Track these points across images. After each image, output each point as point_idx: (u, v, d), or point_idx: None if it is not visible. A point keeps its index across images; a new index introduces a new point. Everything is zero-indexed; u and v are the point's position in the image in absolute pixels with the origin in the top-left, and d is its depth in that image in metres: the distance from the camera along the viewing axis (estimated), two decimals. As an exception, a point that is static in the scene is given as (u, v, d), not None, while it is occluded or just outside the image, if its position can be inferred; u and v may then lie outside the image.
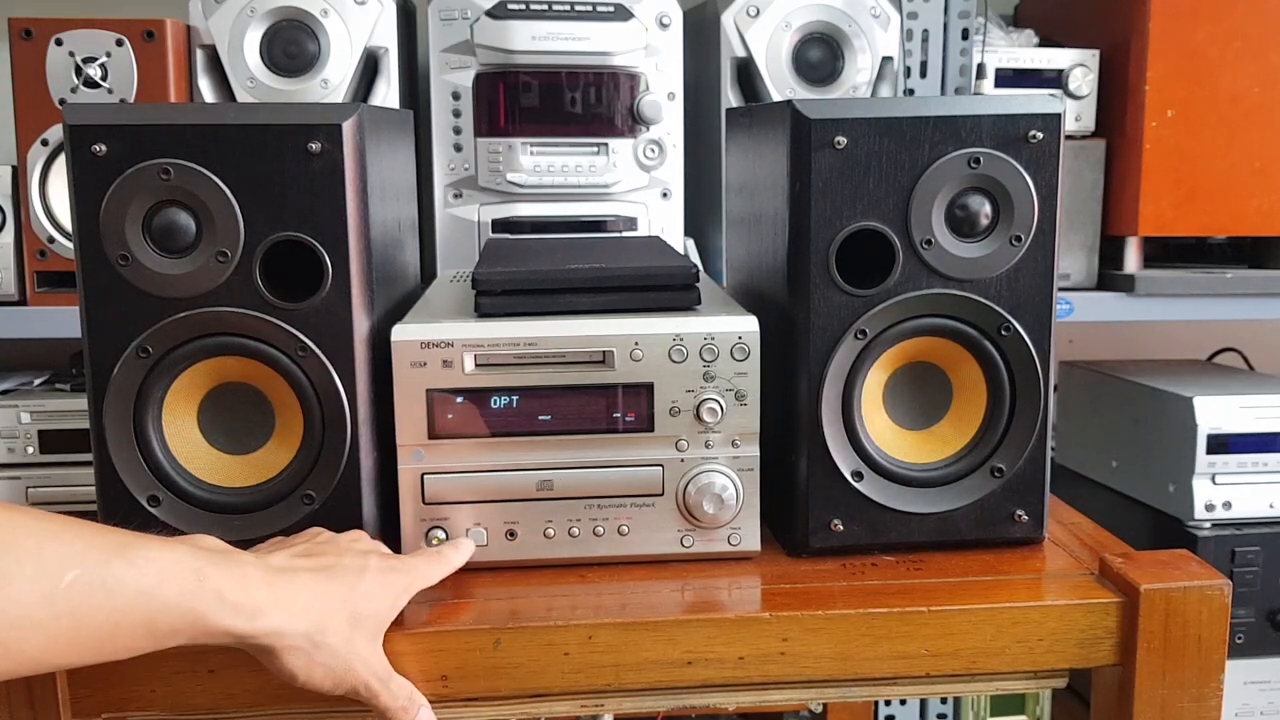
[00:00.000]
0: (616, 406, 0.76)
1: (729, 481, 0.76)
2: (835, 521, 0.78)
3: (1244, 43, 1.37)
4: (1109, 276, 1.43)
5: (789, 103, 0.76)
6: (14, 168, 1.26)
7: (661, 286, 0.79)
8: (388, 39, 1.26)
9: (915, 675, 0.71)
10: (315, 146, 0.71)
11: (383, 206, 0.80)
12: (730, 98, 1.32)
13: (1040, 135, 0.75)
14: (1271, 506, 1.32)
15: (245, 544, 0.72)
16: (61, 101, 1.23)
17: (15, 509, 0.56)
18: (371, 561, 0.67)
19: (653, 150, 1.27)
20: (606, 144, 1.26)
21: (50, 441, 1.27)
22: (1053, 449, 0.82)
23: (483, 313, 0.78)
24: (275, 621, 0.61)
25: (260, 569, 0.62)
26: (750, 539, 0.78)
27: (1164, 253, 1.54)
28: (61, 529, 0.56)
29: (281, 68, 1.25)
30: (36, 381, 1.37)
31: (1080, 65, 1.42)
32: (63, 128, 0.71)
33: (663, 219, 1.29)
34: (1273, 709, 1.35)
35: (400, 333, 0.74)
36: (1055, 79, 1.43)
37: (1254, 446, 1.31)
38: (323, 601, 0.63)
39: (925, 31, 1.48)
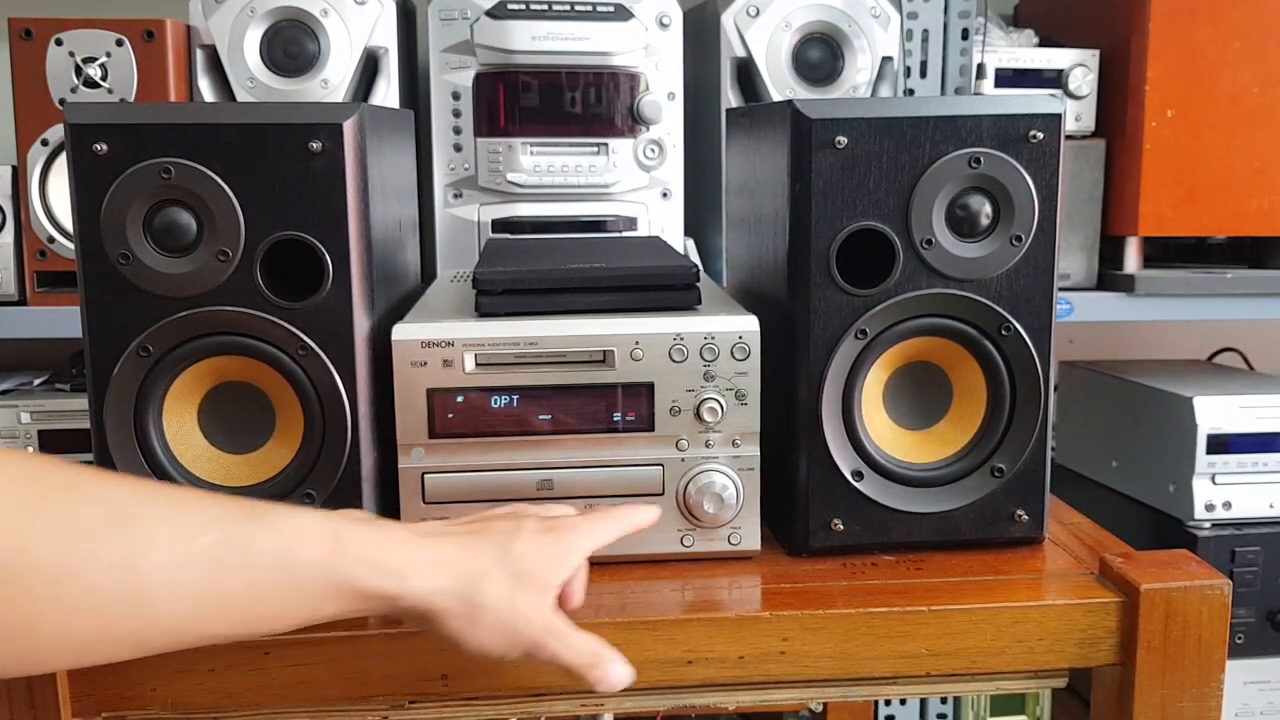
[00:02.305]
0: (616, 406, 0.76)
1: (729, 481, 0.76)
2: (835, 521, 0.78)
3: (1244, 43, 1.37)
4: (1109, 276, 1.43)
5: (789, 103, 0.76)
6: (14, 168, 1.26)
7: (662, 286, 0.79)
8: (388, 39, 1.26)
9: (915, 675, 0.71)
10: (316, 146, 0.71)
11: (383, 206, 0.80)
12: (730, 98, 1.32)
13: (1040, 135, 0.75)
14: (1271, 506, 1.32)
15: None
16: (61, 101, 1.23)
17: (147, 481, 0.56)
18: (527, 524, 0.64)
19: (653, 150, 1.27)
20: (606, 144, 1.26)
21: (50, 441, 1.27)
22: (1053, 449, 0.82)
23: (483, 312, 0.78)
24: (425, 580, 0.59)
25: (405, 531, 0.61)
26: (750, 539, 0.78)
27: (1164, 253, 1.54)
28: (194, 497, 0.56)
29: (281, 68, 1.25)
30: (36, 381, 1.37)
31: (1080, 65, 1.42)
32: (63, 127, 0.71)
33: (663, 219, 1.29)
34: (1273, 709, 1.35)
35: (401, 332, 0.74)
36: (1055, 79, 1.43)
37: (1254, 446, 1.31)
38: (475, 560, 0.61)
39: (925, 31, 1.48)
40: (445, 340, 0.74)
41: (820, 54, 1.33)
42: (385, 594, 0.58)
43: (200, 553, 0.53)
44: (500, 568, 0.61)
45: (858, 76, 1.32)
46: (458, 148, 1.26)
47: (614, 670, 0.62)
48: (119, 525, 0.52)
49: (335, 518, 0.59)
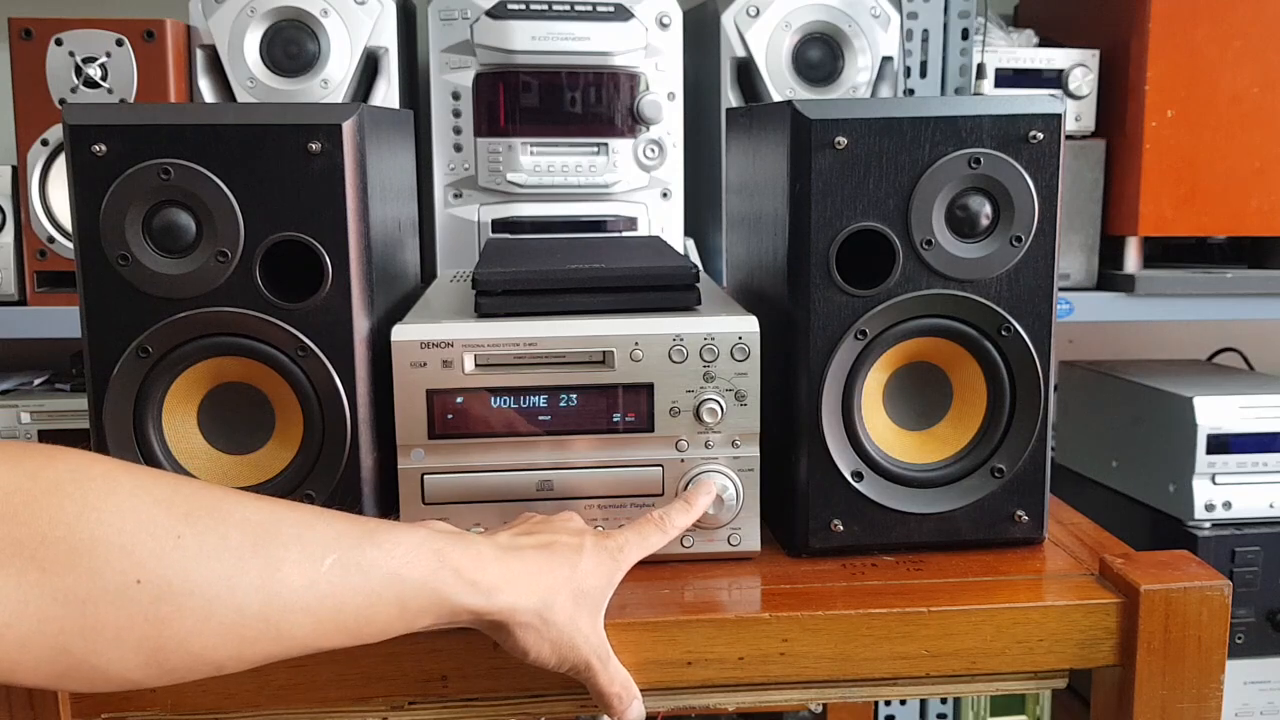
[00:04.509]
0: (616, 407, 0.76)
1: (729, 482, 0.76)
2: (835, 522, 0.78)
3: (1244, 43, 1.37)
4: (1109, 276, 1.43)
5: (789, 103, 0.76)
6: (14, 168, 1.26)
7: (661, 286, 0.79)
8: (388, 39, 1.26)
9: (915, 675, 0.71)
10: (315, 146, 0.71)
11: (383, 206, 0.80)
12: (730, 98, 1.32)
13: (1040, 135, 0.75)
14: (1271, 506, 1.32)
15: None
16: (61, 101, 1.23)
17: (270, 500, 0.58)
18: (587, 540, 0.68)
19: (653, 150, 1.27)
20: (606, 144, 1.26)
21: (50, 441, 1.27)
22: (1053, 449, 0.82)
23: (483, 313, 0.78)
24: (509, 598, 0.62)
25: (491, 548, 0.64)
26: (750, 539, 0.78)
27: (1164, 253, 1.54)
28: (314, 517, 0.59)
29: (281, 68, 1.25)
30: (36, 381, 1.37)
31: (1080, 65, 1.42)
32: (63, 128, 0.71)
33: (663, 219, 1.29)
34: (1273, 709, 1.35)
35: (400, 333, 0.74)
36: (1055, 79, 1.43)
37: (1254, 446, 1.31)
38: (548, 578, 0.64)
39: (925, 31, 1.48)
40: (445, 341, 0.74)
41: (820, 54, 1.33)
42: (475, 609, 0.61)
43: (324, 574, 0.56)
44: (569, 585, 0.65)
45: (858, 76, 1.32)
46: (458, 148, 1.26)
47: (636, 706, 0.67)
48: (258, 547, 0.55)
49: (436, 536, 0.62)
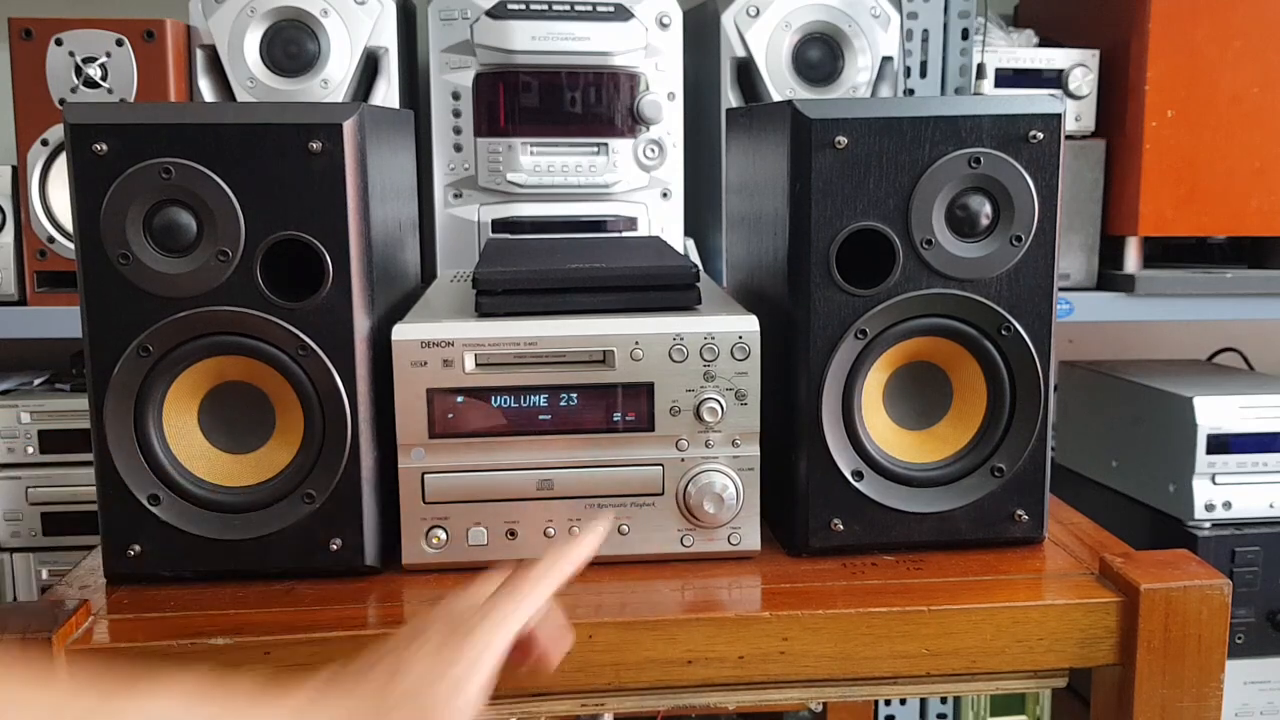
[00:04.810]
0: (616, 406, 0.76)
1: (729, 481, 0.76)
2: (835, 521, 0.78)
3: (1244, 43, 1.37)
4: (1109, 276, 1.43)
5: (789, 103, 0.76)
6: (14, 168, 1.26)
7: (662, 286, 0.79)
8: (388, 39, 1.26)
9: (915, 675, 0.71)
10: (316, 146, 0.71)
11: (383, 206, 0.80)
12: (730, 98, 1.32)
13: (1040, 135, 0.75)
14: (1271, 506, 1.32)
15: (247, 542, 0.73)
16: (61, 101, 1.23)
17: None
18: (421, 648, 0.54)
19: (653, 150, 1.27)
20: (606, 144, 1.26)
21: (50, 441, 1.27)
22: (1053, 449, 0.82)
23: (483, 312, 0.78)
24: None
25: (277, 707, 0.52)
26: (750, 539, 0.78)
27: (1164, 253, 1.54)
28: (24, 686, 0.45)
29: (281, 68, 1.25)
30: (36, 381, 1.37)
31: (1080, 65, 1.42)
32: (63, 127, 0.71)
33: (663, 219, 1.29)
34: (1273, 709, 1.35)
35: (401, 332, 0.74)
36: (1055, 79, 1.43)
37: (1254, 446, 1.31)
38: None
39: (925, 31, 1.48)
40: (445, 340, 0.74)
41: (820, 54, 1.33)
42: None
43: None
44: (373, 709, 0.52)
45: (858, 76, 1.32)
46: (458, 148, 1.26)
47: None
48: None
49: (195, 701, 0.49)
